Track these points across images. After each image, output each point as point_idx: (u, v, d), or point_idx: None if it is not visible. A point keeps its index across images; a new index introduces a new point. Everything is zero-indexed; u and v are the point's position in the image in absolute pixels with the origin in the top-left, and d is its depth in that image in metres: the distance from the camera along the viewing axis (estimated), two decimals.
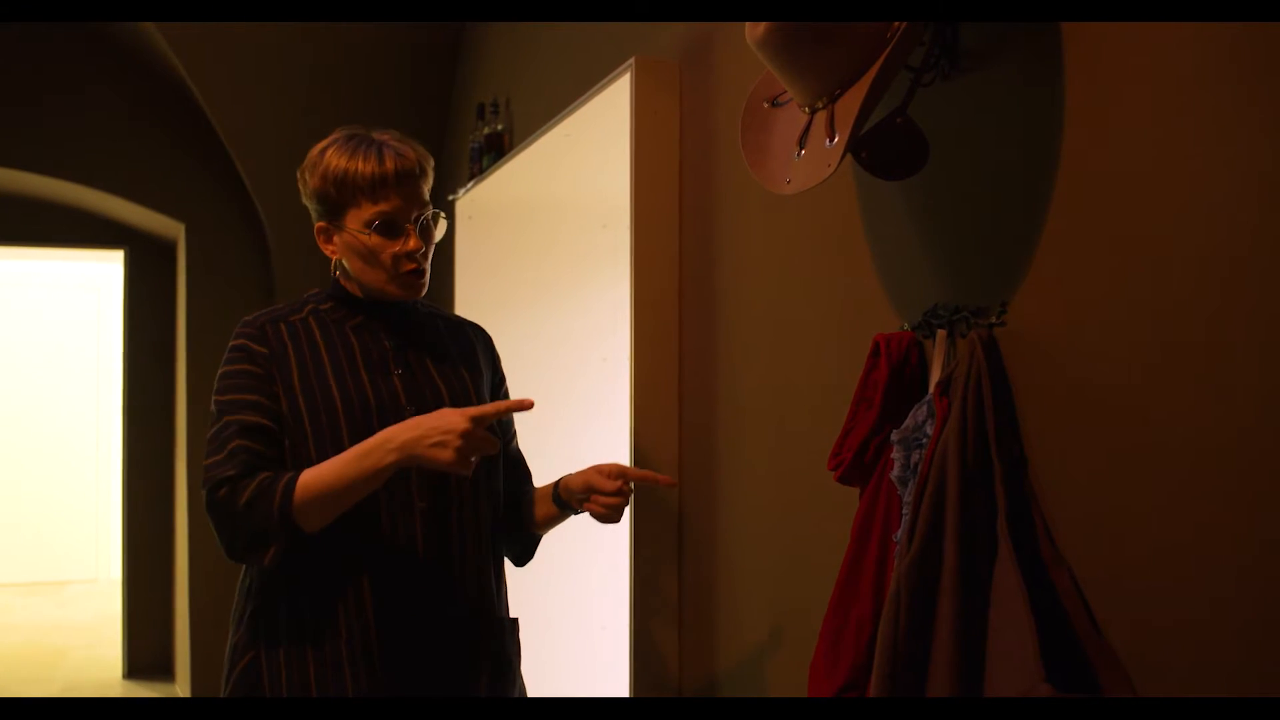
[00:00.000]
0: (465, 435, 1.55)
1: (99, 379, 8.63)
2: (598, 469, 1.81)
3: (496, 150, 3.46)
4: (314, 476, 1.61)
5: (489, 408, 1.59)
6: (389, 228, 1.70)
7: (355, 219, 1.71)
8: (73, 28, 4.55)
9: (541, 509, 1.90)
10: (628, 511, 2.45)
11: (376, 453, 1.59)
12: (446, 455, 1.56)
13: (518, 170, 3.19)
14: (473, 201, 3.50)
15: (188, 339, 4.76)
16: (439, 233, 1.78)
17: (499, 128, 3.50)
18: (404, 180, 1.70)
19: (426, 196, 1.75)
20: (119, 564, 5.97)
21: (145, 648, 5.48)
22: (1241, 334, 1.14)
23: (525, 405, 1.60)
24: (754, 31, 1.45)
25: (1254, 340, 1.12)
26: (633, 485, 1.81)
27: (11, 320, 8.51)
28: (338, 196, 1.70)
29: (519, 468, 1.98)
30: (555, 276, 3.41)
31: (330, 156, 1.71)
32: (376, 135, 1.74)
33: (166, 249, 5.43)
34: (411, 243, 1.71)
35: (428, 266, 1.77)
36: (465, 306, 3.42)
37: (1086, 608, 1.32)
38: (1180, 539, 1.21)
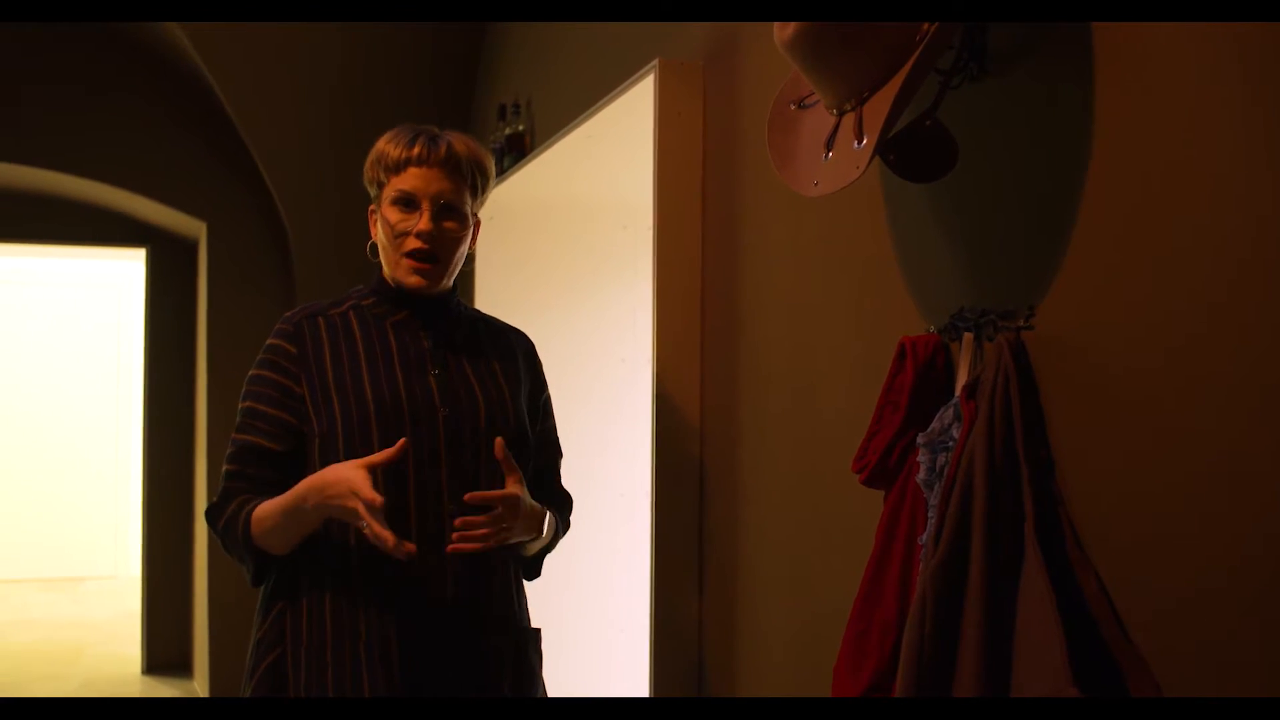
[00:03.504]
0: (354, 507, 1.57)
1: (119, 377, 8.68)
2: None
3: (518, 151, 3.47)
4: (262, 512, 1.69)
5: (369, 494, 1.55)
6: (403, 203, 1.76)
7: (385, 198, 1.78)
8: (96, 27, 4.58)
9: None
10: (648, 511, 2.45)
11: (297, 505, 1.65)
12: (352, 506, 1.58)
13: (538, 171, 3.19)
14: (493, 202, 3.48)
15: (208, 338, 4.78)
16: (464, 233, 1.79)
17: (520, 128, 3.51)
18: (428, 163, 1.75)
19: (457, 191, 1.76)
20: (138, 561, 5.99)
21: (164, 644, 5.50)
22: (1274, 337, 1.13)
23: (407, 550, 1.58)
24: (782, 33, 1.45)
25: None
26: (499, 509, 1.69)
27: (33, 318, 8.56)
28: (376, 176, 1.79)
29: (543, 488, 1.94)
30: (574, 277, 3.41)
31: (379, 142, 1.80)
32: (434, 129, 1.80)
33: (188, 248, 5.45)
34: (422, 222, 1.74)
35: (451, 259, 1.78)
36: (485, 307, 3.43)
37: (1113, 610, 1.31)
38: (1208, 543, 1.20)
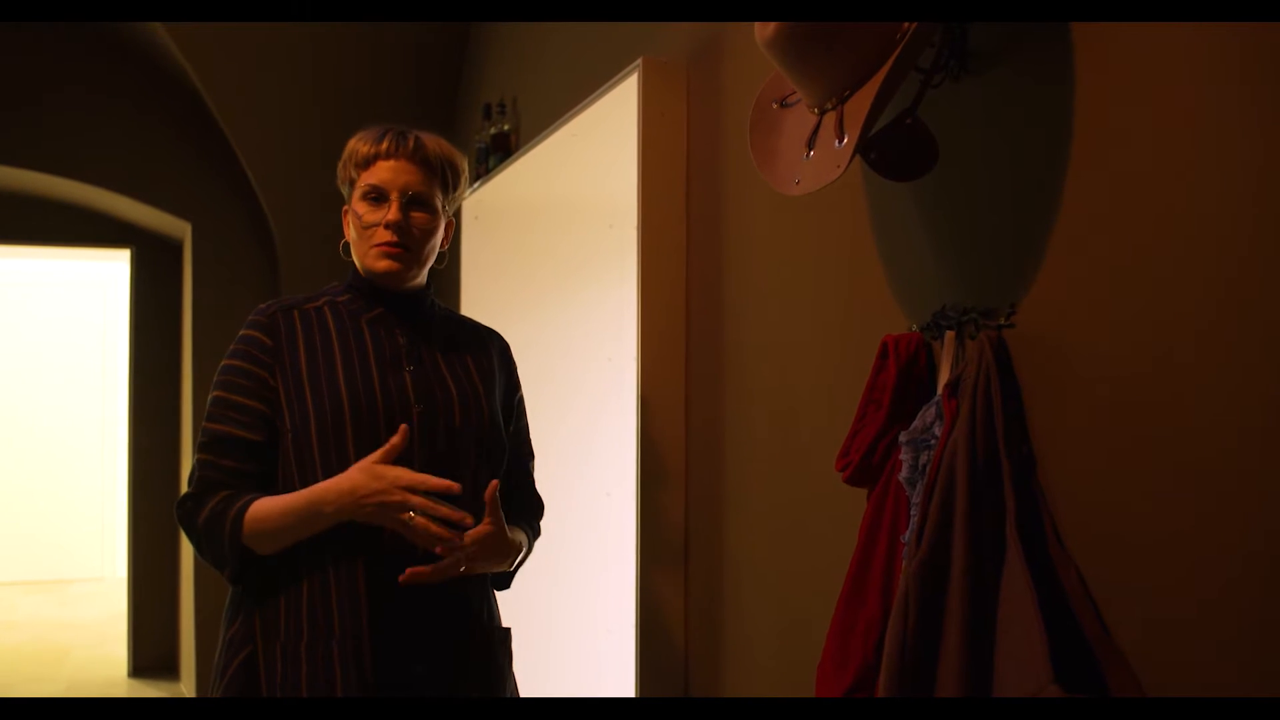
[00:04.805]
0: (401, 500, 1.63)
1: (105, 378, 8.64)
2: None
3: (503, 150, 3.46)
4: (261, 512, 1.68)
5: (420, 478, 1.64)
6: (372, 197, 1.78)
7: (356, 194, 1.80)
8: (80, 27, 4.56)
9: None
10: (632, 510, 2.45)
11: (312, 510, 1.66)
12: (381, 516, 1.65)
13: (524, 170, 3.19)
14: (479, 202, 3.50)
15: (193, 338, 4.77)
16: (434, 225, 1.80)
17: (505, 128, 3.50)
18: (395, 156, 1.77)
19: (425, 184, 1.78)
20: (124, 563, 5.97)
21: (150, 647, 5.49)
22: (1250, 333, 1.13)
23: (451, 488, 1.65)
24: (763, 32, 1.45)
25: (1262, 340, 1.12)
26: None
27: (18, 319, 8.52)
28: (348, 175, 1.81)
29: (512, 490, 1.94)
30: (561, 277, 3.42)
31: (349, 142, 1.82)
32: (407, 128, 1.82)
33: (173, 248, 5.43)
34: (390, 213, 1.75)
35: (422, 251, 1.79)
36: (471, 307, 3.43)
37: (1094, 608, 1.32)
38: (1188, 538, 1.20)
